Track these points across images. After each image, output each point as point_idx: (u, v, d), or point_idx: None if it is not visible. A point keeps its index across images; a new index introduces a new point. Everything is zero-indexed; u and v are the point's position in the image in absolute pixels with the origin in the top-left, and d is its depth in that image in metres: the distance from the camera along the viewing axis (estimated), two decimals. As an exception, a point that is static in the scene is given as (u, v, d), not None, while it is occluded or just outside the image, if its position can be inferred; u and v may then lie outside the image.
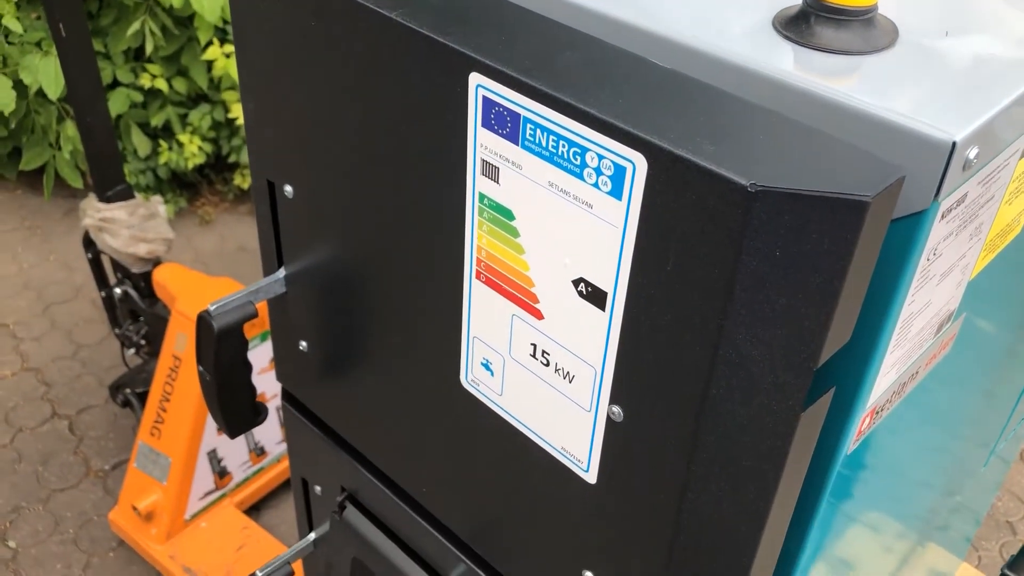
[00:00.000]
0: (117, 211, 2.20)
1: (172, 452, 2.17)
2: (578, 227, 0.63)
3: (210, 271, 3.16)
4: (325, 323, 0.98)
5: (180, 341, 2.13)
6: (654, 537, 0.71)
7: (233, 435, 1.07)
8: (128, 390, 2.43)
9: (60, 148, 3.23)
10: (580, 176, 0.61)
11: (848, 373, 0.66)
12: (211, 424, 2.17)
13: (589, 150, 0.59)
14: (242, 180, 3.51)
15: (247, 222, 3.49)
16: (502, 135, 0.65)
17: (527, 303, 0.71)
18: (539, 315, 0.71)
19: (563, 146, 0.61)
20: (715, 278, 0.56)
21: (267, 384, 1.95)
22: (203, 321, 0.95)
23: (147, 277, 2.30)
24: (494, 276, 0.73)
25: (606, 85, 0.61)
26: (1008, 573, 1.41)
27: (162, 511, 2.19)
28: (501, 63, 0.63)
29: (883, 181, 0.51)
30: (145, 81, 3.19)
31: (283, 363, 1.10)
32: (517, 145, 0.64)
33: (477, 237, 0.72)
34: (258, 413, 1.07)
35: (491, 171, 0.67)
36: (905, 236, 0.60)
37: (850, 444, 0.70)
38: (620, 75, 0.62)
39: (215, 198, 3.59)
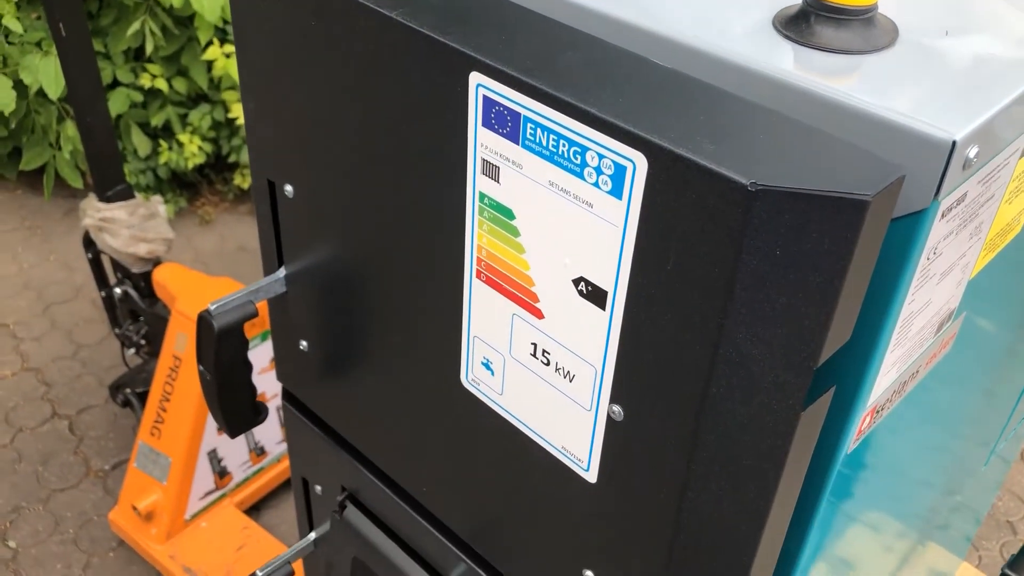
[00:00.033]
0: (117, 211, 2.20)
1: (172, 452, 2.17)
2: (578, 226, 0.63)
3: (210, 271, 3.16)
4: (325, 323, 0.98)
5: (180, 341, 2.13)
6: (654, 536, 0.71)
7: (233, 435, 1.07)
8: (128, 390, 2.44)
9: (60, 148, 3.23)
10: (580, 175, 0.61)
11: (848, 372, 0.66)
12: (211, 424, 2.17)
13: (589, 149, 0.59)
14: (242, 180, 3.51)
15: (247, 222, 3.49)
16: (502, 134, 0.65)
17: (527, 302, 0.71)
18: (539, 314, 0.71)
19: (563, 145, 0.61)
20: (715, 277, 0.56)
21: (267, 384, 1.95)
22: (204, 320, 0.95)
23: (147, 277, 2.30)
24: (494, 275, 0.73)
25: (606, 85, 0.61)
26: (1008, 573, 1.41)
27: (162, 511, 2.19)
28: (501, 63, 0.63)
29: (883, 180, 0.51)
30: (145, 81, 3.19)
31: (283, 363, 1.10)
32: (517, 144, 0.64)
33: (477, 236, 0.72)
34: (258, 413, 1.07)
35: (491, 170, 0.68)
36: (905, 235, 0.60)
37: (850, 443, 0.70)
38: (620, 75, 0.62)
39: (215, 198, 3.59)
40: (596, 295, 0.65)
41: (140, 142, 3.27)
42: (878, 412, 0.72)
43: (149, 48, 3.06)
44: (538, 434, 0.77)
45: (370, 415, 0.99)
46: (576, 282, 0.66)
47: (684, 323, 0.60)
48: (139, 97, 3.21)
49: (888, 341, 0.65)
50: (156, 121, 3.28)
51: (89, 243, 2.32)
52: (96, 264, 2.38)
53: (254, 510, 2.44)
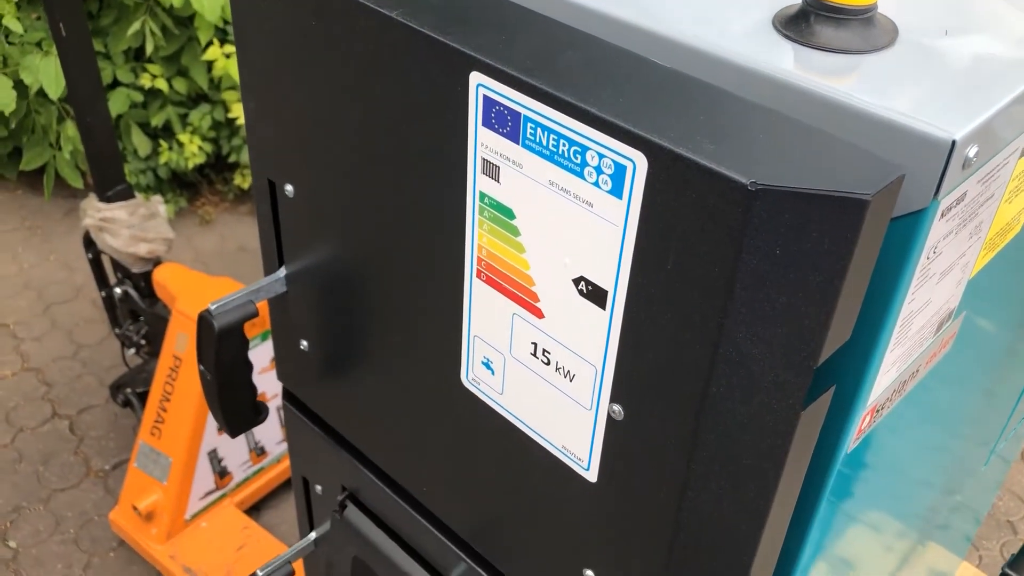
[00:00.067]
0: (117, 211, 2.20)
1: (172, 452, 2.17)
2: (578, 226, 0.63)
3: (210, 271, 3.16)
4: (326, 322, 0.98)
5: (180, 341, 2.14)
6: (654, 535, 0.71)
7: (234, 434, 1.07)
8: (128, 390, 2.44)
9: (60, 148, 3.23)
10: (580, 175, 0.61)
11: (848, 371, 0.66)
12: (211, 424, 2.17)
13: (589, 149, 0.59)
14: (242, 180, 3.51)
15: (247, 222, 3.50)
16: (503, 134, 0.65)
17: (528, 302, 0.71)
18: (540, 314, 0.71)
19: (564, 145, 0.61)
20: (715, 277, 0.56)
21: (268, 384, 1.95)
22: (204, 320, 0.95)
23: (147, 277, 2.30)
24: (495, 275, 0.73)
25: (607, 84, 0.61)
26: (1009, 572, 1.41)
27: (162, 511, 2.19)
28: (502, 62, 0.63)
29: (883, 180, 0.51)
30: (145, 81, 3.19)
31: (284, 362, 1.10)
32: (518, 144, 0.64)
33: (478, 236, 0.72)
34: (259, 412, 1.07)
35: (492, 170, 0.68)
36: (905, 234, 0.60)
37: (850, 443, 0.70)
38: (621, 74, 0.62)
39: (215, 198, 3.59)
40: (596, 294, 0.65)
41: (140, 142, 3.27)
42: (878, 411, 0.72)
43: (149, 48, 3.06)
44: (538, 433, 0.77)
45: (370, 415, 1.00)
46: (576, 281, 0.66)
47: (684, 322, 0.60)
48: (139, 97, 3.21)
49: (888, 340, 0.65)
50: (156, 121, 3.28)
51: (89, 243, 2.32)
52: (96, 264, 2.38)
53: (254, 510, 2.44)
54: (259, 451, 2.36)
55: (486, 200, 0.69)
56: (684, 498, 0.67)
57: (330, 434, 1.09)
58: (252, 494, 2.38)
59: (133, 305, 2.37)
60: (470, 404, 0.82)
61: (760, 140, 0.56)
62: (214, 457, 2.24)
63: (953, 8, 0.74)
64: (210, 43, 3.13)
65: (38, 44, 3.02)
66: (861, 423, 0.70)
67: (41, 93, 3.09)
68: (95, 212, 2.21)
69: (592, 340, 0.67)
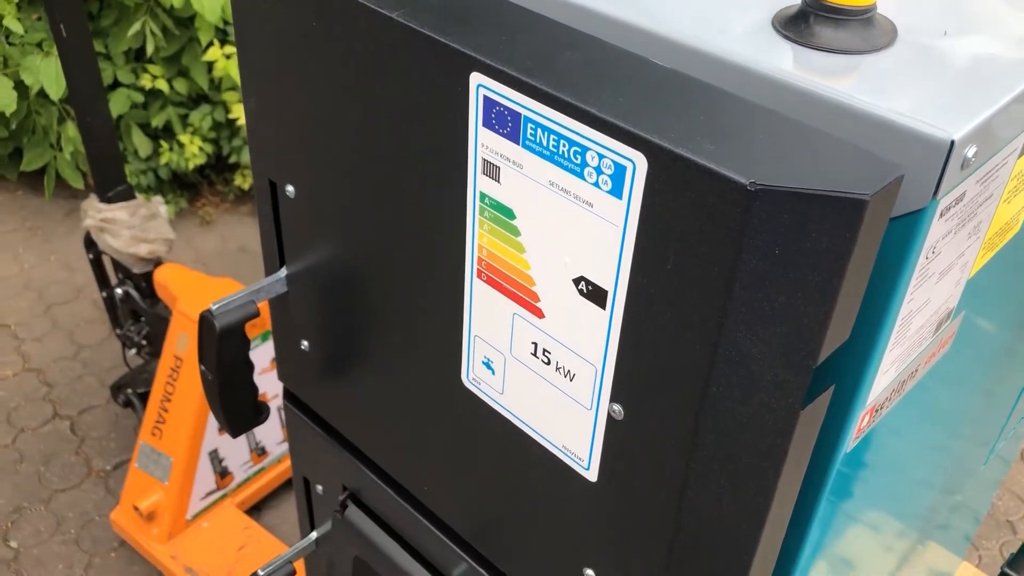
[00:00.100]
0: (118, 212, 2.21)
1: (173, 452, 2.17)
2: (578, 226, 0.63)
3: (211, 271, 3.17)
4: (327, 322, 0.98)
5: (181, 341, 2.14)
6: (655, 535, 0.71)
7: (235, 434, 1.08)
8: (129, 390, 2.44)
9: (61, 149, 3.24)
10: (580, 175, 0.61)
11: (847, 371, 0.66)
12: (212, 424, 2.18)
13: (589, 149, 0.60)
14: (243, 180, 3.51)
15: (248, 222, 3.50)
16: (503, 134, 0.65)
17: (528, 302, 0.71)
18: (540, 314, 0.71)
19: (564, 145, 0.61)
20: (715, 276, 0.56)
21: (269, 384, 1.95)
22: (205, 320, 0.95)
23: (148, 277, 2.30)
24: (495, 275, 0.73)
25: (607, 85, 0.61)
26: (1008, 572, 1.41)
27: (164, 511, 2.19)
28: (502, 63, 0.63)
29: (882, 180, 0.52)
30: (146, 82, 3.19)
31: (285, 362, 1.10)
32: (518, 144, 0.64)
33: (478, 236, 0.72)
34: (260, 412, 1.07)
35: (492, 170, 0.68)
36: (904, 234, 0.60)
37: (850, 442, 0.70)
38: (620, 75, 0.62)
39: (216, 199, 3.59)
40: (596, 294, 0.65)
41: (141, 143, 3.27)
42: (877, 411, 0.72)
43: (150, 49, 3.06)
44: (539, 433, 0.77)
45: (371, 415, 1.00)
46: (576, 281, 0.66)
47: (684, 322, 0.60)
48: (140, 98, 3.21)
49: (887, 340, 0.65)
50: (157, 122, 3.28)
51: (90, 244, 2.33)
52: (97, 265, 2.39)
53: (255, 510, 2.44)
54: (260, 451, 2.36)
55: (486, 200, 0.70)
56: (684, 497, 0.67)
57: (331, 434, 1.09)
58: (253, 494, 2.38)
59: (134, 306, 2.37)
60: (471, 404, 0.83)
61: (759, 140, 0.56)
62: (215, 457, 2.24)
63: (952, 8, 0.74)
64: (211, 44, 3.13)
65: (39, 45, 3.03)
66: (860, 423, 0.70)
67: (42, 94, 3.09)
68: (96, 213, 2.21)
69: (592, 340, 0.67)
